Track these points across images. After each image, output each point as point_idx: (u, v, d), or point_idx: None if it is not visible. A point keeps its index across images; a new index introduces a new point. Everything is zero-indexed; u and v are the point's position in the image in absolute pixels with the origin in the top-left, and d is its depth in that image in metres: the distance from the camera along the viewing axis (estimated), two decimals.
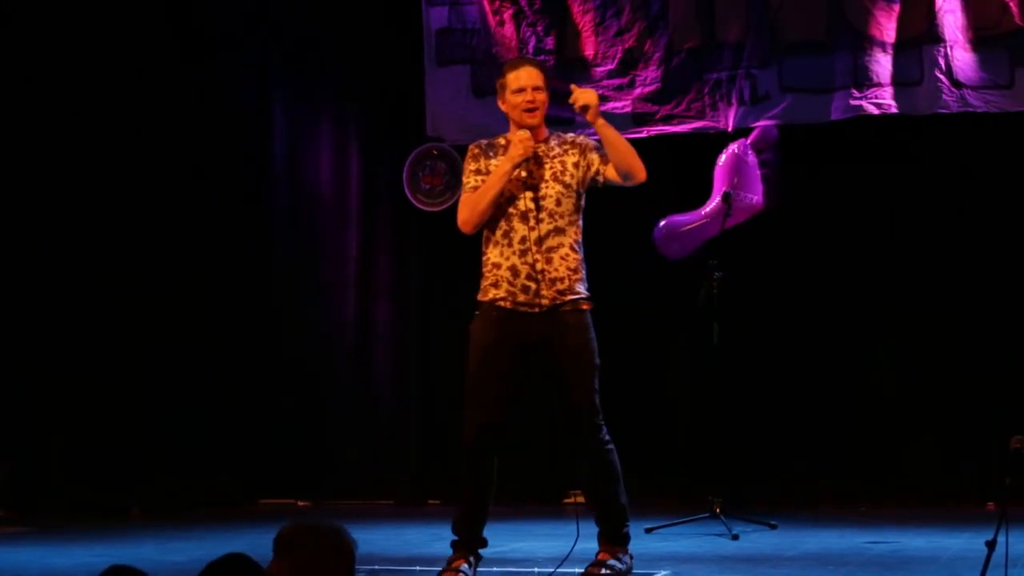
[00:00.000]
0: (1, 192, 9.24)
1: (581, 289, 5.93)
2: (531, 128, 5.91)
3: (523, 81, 5.94)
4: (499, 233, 5.92)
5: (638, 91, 8.82)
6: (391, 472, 9.51)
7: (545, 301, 5.86)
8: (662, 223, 8.42)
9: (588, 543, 6.07)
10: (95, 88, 9.35)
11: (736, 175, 8.34)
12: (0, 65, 9.17)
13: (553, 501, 9.16)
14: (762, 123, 8.59)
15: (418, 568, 6.37)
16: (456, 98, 9.17)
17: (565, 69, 8.85)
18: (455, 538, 5.99)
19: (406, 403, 9.57)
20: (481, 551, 6.01)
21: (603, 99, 8.82)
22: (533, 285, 5.86)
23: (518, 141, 5.87)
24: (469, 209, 5.93)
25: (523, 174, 5.89)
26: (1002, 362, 8.69)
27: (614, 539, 6.01)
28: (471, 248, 6.34)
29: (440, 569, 5.95)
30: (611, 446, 5.94)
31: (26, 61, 9.26)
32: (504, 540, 7.04)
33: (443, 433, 9.26)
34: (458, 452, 5.96)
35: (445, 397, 9.38)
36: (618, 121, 8.77)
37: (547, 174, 5.91)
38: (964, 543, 6.82)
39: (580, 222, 5.99)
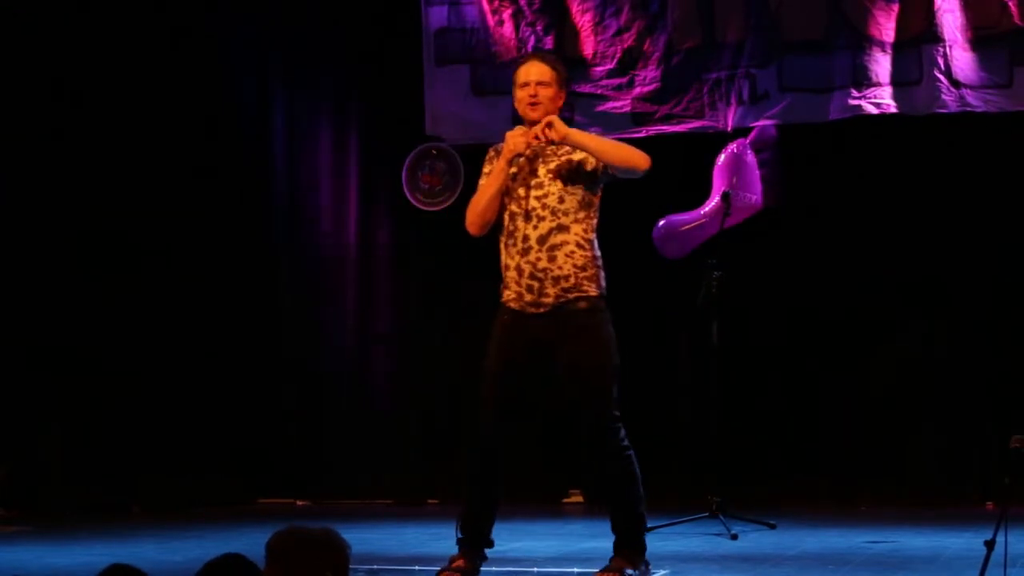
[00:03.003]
0: (0, 191, 9.25)
1: (590, 287, 5.78)
2: (533, 123, 5.80)
3: (527, 76, 5.88)
4: (506, 234, 5.85)
5: (637, 91, 8.82)
6: (391, 472, 9.50)
7: (549, 300, 5.75)
8: (661, 223, 8.41)
9: (590, 541, 6.07)
10: (93, 87, 9.35)
11: (735, 175, 8.33)
12: None
13: (553, 501, 9.18)
14: (761, 123, 8.59)
15: (417, 568, 6.36)
16: (455, 97, 9.17)
17: None
18: (460, 536, 5.88)
19: (406, 403, 9.56)
20: (487, 551, 5.93)
21: (602, 99, 8.91)
22: (536, 284, 5.75)
23: (510, 137, 5.81)
24: (470, 209, 5.91)
25: (527, 172, 5.80)
26: (1002, 362, 8.69)
27: (629, 546, 5.86)
28: (470, 248, 6.34)
29: (439, 568, 5.92)
30: (630, 452, 5.82)
31: (26, 61, 9.27)
32: (504, 540, 7.03)
33: (443, 433, 9.27)
34: (457, 451, 5.93)
35: (445, 397, 9.39)
36: (617, 121, 8.81)
37: (551, 172, 5.82)
38: (964, 543, 6.81)
39: (592, 219, 5.83)
